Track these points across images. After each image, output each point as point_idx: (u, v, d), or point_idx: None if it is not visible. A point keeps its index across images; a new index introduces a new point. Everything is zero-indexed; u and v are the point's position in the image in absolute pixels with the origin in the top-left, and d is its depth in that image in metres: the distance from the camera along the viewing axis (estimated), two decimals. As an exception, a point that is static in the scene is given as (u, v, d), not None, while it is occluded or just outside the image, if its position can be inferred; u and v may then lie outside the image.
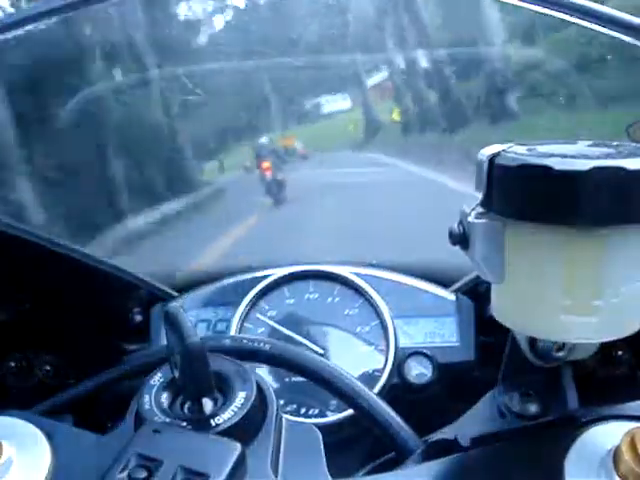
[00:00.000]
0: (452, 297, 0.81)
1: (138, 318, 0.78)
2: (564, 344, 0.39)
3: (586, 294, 0.34)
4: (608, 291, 0.34)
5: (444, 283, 0.84)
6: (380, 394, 0.73)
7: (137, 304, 0.78)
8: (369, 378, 0.76)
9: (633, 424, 0.36)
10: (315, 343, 0.79)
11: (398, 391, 0.76)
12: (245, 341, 0.51)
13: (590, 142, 0.37)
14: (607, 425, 0.38)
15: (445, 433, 0.43)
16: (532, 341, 0.40)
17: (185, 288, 0.83)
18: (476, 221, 0.36)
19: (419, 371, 0.76)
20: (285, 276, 0.82)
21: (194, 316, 0.80)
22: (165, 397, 0.39)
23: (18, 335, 0.64)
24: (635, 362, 0.53)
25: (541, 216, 0.34)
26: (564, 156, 0.33)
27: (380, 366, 0.76)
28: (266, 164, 4.24)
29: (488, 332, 0.76)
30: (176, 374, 0.38)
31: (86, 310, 0.69)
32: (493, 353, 0.49)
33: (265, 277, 0.82)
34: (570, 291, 0.35)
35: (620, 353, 0.51)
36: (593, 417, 0.38)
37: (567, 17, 0.66)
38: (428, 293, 0.82)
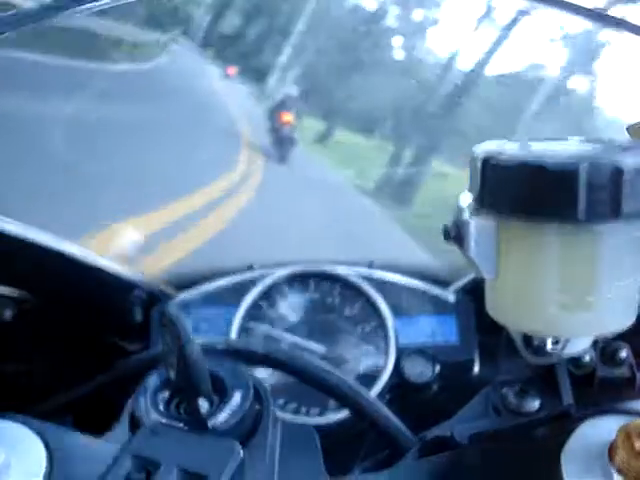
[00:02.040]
0: (452, 296, 0.82)
1: (138, 318, 0.78)
2: (559, 339, 0.39)
3: (580, 290, 0.35)
4: (602, 287, 0.34)
5: (444, 283, 0.84)
6: (381, 393, 0.73)
7: (137, 304, 0.78)
8: (369, 377, 0.76)
9: (628, 418, 0.36)
10: (315, 343, 0.79)
11: (398, 390, 0.76)
12: (240, 343, 0.51)
13: (582, 139, 0.37)
14: (602, 420, 0.38)
15: (440, 430, 0.43)
16: (527, 338, 0.40)
17: (185, 287, 0.83)
18: (470, 219, 0.36)
19: (419, 370, 0.76)
20: (286, 276, 0.83)
21: (194, 316, 0.80)
22: (161, 398, 0.39)
23: (18, 335, 0.64)
24: (635, 362, 0.53)
25: (535, 213, 0.34)
26: (558, 153, 0.33)
27: (380, 365, 0.76)
28: (287, 116, 3.84)
29: (488, 331, 0.76)
30: (172, 375, 0.38)
31: (86, 310, 0.69)
32: (493, 352, 0.49)
33: (266, 276, 0.82)
34: (564, 287, 0.35)
35: (620, 353, 0.51)
36: (588, 412, 0.39)
37: (569, 17, 0.66)
38: (428, 293, 0.82)
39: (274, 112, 3.89)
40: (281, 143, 3.74)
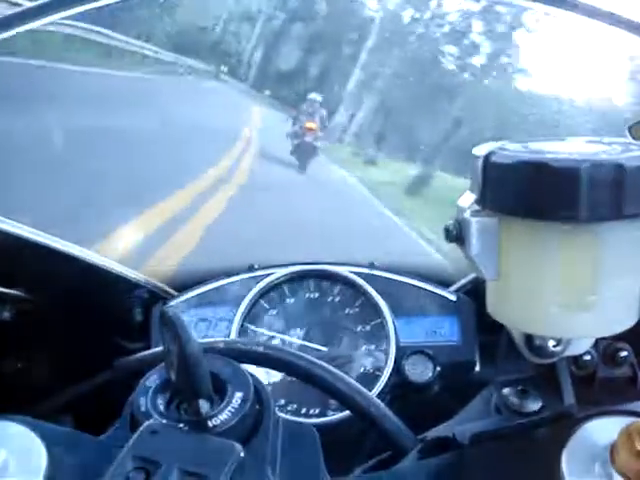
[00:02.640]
0: (453, 296, 0.81)
1: (139, 318, 0.78)
2: (560, 339, 0.39)
3: (581, 290, 0.35)
4: (603, 286, 0.34)
5: (445, 283, 0.84)
6: (381, 393, 0.73)
7: (137, 304, 0.78)
8: (370, 377, 0.76)
9: (629, 419, 0.36)
10: (316, 342, 0.79)
11: (399, 390, 0.76)
12: (239, 344, 0.51)
13: (584, 139, 0.37)
14: (603, 420, 0.38)
15: (441, 430, 0.43)
16: (528, 337, 0.40)
17: (185, 287, 0.83)
18: (471, 218, 0.36)
19: (420, 370, 0.76)
20: (286, 275, 0.82)
21: (195, 315, 0.80)
22: (161, 399, 0.39)
23: (18, 335, 0.64)
24: (637, 362, 0.53)
25: (537, 212, 0.34)
26: (559, 153, 0.33)
27: (381, 365, 0.76)
28: (311, 125, 3.76)
29: (489, 331, 0.76)
30: (172, 375, 0.38)
31: (86, 310, 0.69)
32: (494, 352, 0.49)
33: (266, 276, 0.82)
34: (565, 287, 0.35)
35: (621, 353, 0.51)
36: (590, 413, 0.39)
37: (570, 15, 0.66)
38: (429, 292, 0.82)
39: (297, 118, 3.81)
40: (302, 151, 3.64)
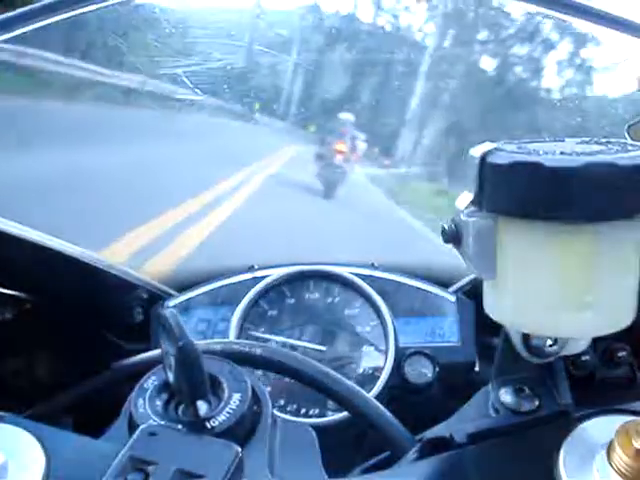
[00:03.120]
0: (452, 297, 0.81)
1: (139, 318, 0.78)
2: (557, 339, 0.39)
3: (578, 289, 0.35)
4: (600, 286, 0.34)
5: (444, 283, 0.84)
6: (380, 394, 0.73)
7: (137, 304, 0.78)
8: (369, 378, 0.76)
9: (627, 418, 0.36)
10: (315, 343, 0.79)
11: (398, 391, 0.76)
12: (237, 345, 0.51)
13: (579, 140, 0.37)
14: (601, 419, 0.38)
15: (439, 430, 0.43)
16: (525, 337, 0.40)
17: (185, 288, 0.83)
18: (468, 219, 0.36)
19: (419, 371, 0.76)
20: (285, 276, 0.83)
21: (194, 316, 0.80)
22: (159, 400, 0.39)
23: (18, 335, 0.64)
24: (635, 362, 0.53)
25: (533, 213, 0.34)
26: (555, 153, 0.33)
27: (380, 366, 0.76)
28: (341, 146, 3.38)
29: (488, 332, 0.76)
30: (170, 377, 0.38)
31: (86, 310, 0.69)
32: (494, 352, 0.49)
33: (265, 277, 0.82)
34: (562, 287, 0.35)
35: (619, 353, 0.51)
36: (587, 412, 0.39)
37: (567, 16, 0.66)
38: (428, 293, 0.82)
39: (325, 140, 3.55)
40: (328, 174, 3.40)
